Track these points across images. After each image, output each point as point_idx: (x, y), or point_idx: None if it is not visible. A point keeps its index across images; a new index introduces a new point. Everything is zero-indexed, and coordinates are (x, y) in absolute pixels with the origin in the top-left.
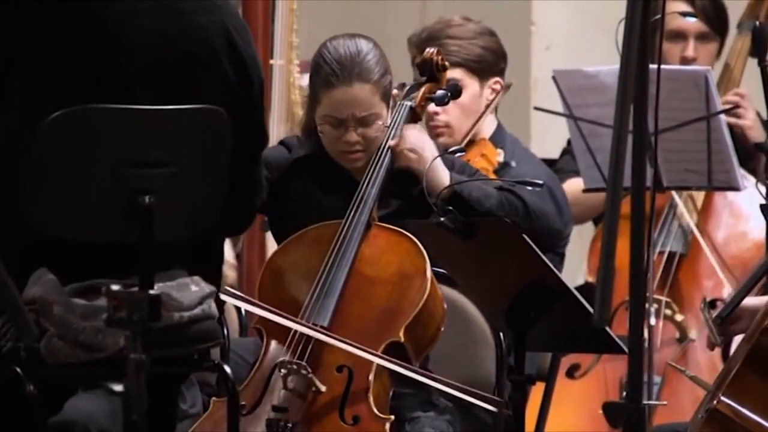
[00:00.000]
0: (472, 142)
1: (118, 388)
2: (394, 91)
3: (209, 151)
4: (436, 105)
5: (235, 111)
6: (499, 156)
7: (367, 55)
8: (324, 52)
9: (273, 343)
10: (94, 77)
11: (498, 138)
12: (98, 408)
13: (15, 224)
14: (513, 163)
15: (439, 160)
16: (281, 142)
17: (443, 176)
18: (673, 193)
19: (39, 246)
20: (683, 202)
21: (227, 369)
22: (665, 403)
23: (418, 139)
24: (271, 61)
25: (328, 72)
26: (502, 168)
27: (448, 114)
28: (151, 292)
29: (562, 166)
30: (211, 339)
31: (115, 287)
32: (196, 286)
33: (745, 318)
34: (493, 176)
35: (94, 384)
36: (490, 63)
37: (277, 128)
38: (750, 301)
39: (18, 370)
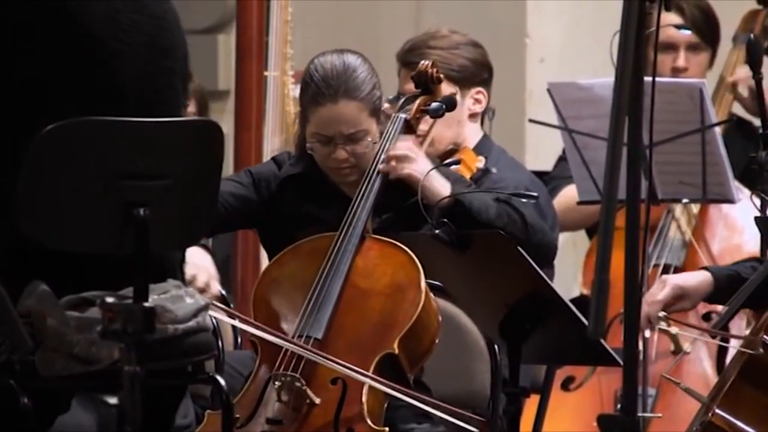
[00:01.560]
0: (454, 151)
1: (112, 400)
2: (386, 105)
3: (203, 163)
4: (431, 117)
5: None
6: (480, 162)
7: (354, 72)
8: (311, 69)
9: (268, 356)
10: (87, 80)
11: (482, 148)
12: (91, 421)
13: (8, 235)
14: (494, 170)
15: (436, 171)
16: (272, 159)
17: (442, 186)
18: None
19: (33, 257)
20: (678, 215)
21: (221, 381)
22: (660, 415)
23: (408, 149)
24: (266, 73)
25: (314, 90)
26: (482, 174)
27: (428, 123)
28: (146, 304)
29: (557, 173)
30: (205, 351)
31: (109, 299)
32: (190, 298)
33: (687, 298)
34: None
35: (88, 397)
36: (471, 73)
37: (271, 140)
38: (685, 280)
39: (12, 382)
